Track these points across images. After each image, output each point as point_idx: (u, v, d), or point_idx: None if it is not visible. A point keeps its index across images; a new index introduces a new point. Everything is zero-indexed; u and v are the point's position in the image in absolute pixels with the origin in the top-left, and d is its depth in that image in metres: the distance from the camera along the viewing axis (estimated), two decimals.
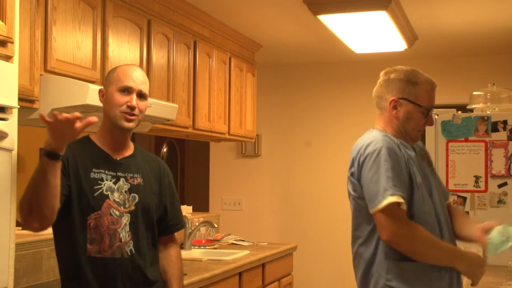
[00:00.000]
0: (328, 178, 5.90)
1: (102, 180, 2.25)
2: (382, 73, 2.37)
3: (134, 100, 2.26)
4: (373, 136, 2.26)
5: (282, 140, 6.13)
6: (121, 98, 2.26)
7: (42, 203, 2.04)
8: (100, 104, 2.35)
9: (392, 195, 2.10)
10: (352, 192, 2.29)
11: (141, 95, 2.29)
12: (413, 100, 2.28)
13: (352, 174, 2.27)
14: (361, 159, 2.22)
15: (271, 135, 6.16)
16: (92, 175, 2.24)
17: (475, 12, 4.29)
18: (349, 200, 2.35)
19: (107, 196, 2.23)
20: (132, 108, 2.25)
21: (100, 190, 2.23)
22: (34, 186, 2.03)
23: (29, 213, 2.07)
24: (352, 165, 2.28)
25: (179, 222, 2.50)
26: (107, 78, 2.34)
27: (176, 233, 2.51)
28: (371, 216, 2.20)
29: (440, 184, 2.42)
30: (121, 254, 2.22)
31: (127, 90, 2.26)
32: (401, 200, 2.11)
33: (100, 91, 2.34)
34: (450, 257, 2.19)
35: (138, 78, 2.29)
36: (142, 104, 2.29)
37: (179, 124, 4.05)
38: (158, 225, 2.39)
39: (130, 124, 2.27)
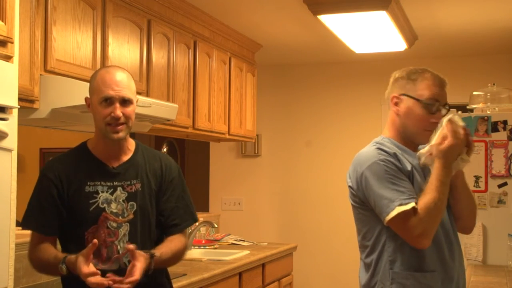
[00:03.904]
0: (328, 178, 5.90)
1: (97, 193, 2.20)
2: (392, 74, 2.35)
3: (117, 110, 2.16)
4: (366, 152, 2.23)
5: (282, 140, 6.13)
6: (104, 110, 2.16)
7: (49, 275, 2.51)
8: None
9: (400, 205, 2.08)
10: (353, 203, 2.28)
11: (124, 101, 2.18)
12: (412, 95, 2.24)
13: (351, 187, 2.26)
14: (358, 175, 2.20)
15: (271, 135, 6.15)
16: (87, 188, 2.20)
17: (475, 12, 4.29)
18: (352, 209, 2.34)
19: (103, 209, 2.19)
20: (116, 118, 2.16)
21: (96, 204, 2.19)
22: (46, 271, 2.29)
23: (37, 271, 2.34)
24: (350, 179, 2.26)
25: (184, 221, 2.35)
26: (90, 85, 2.24)
27: (184, 230, 2.38)
28: (376, 224, 2.19)
29: None
30: (118, 266, 2.19)
31: (109, 100, 2.16)
32: (408, 207, 2.07)
33: (86, 100, 2.27)
34: (442, 184, 2.11)
35: (118, 84, 2.17)
36: (127, 110, 2.19)
37: (179, 124, 4.05)
38: (161, 225, 2.31)
39: (120, 135, 2.19)
